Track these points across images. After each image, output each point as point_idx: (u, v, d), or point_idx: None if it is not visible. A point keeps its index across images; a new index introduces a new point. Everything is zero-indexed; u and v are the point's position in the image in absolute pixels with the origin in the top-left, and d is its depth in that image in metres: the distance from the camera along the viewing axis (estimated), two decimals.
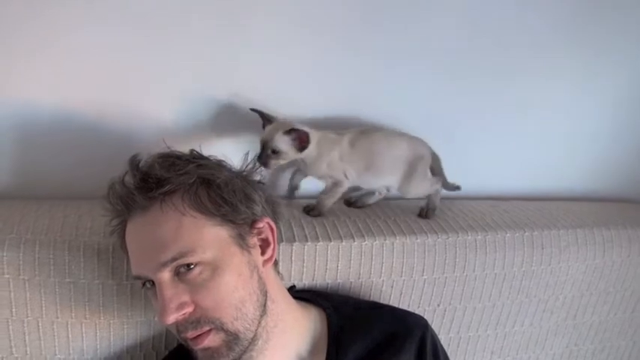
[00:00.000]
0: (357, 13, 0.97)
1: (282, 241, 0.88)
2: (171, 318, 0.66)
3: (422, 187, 1.01)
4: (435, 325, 0.96)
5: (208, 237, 0.69)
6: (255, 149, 0.89)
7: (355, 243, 0.92)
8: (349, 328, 0.80)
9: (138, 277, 0.71)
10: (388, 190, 1.04)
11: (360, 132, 0.97)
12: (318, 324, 0.81)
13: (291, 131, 0.89)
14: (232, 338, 0.69)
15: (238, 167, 0.78)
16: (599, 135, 1.24)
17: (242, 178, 0.76)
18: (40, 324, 0.81)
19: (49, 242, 0.80)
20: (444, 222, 1.01)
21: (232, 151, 0.79)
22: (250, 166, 0.79)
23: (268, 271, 0.76)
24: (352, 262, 0.92)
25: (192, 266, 0.67)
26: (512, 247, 1.01)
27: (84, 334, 0.82)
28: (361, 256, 0.92)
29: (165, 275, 0.67)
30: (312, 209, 0.97)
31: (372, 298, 0.94)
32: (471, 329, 1.04)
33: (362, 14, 0.98)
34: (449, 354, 0.89)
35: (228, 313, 0.68)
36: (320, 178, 0.98)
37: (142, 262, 0.70)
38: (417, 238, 0.95)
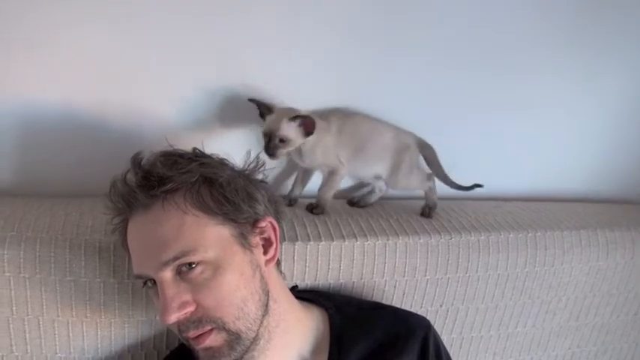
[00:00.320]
0: (357, 6, 0.97)
1: (285, 240, 0.87)
2: (173, 317, 0.66)
3: (412, 179, 1.00)
4: (437, 326, 0.96)
5: (210, 236, 0.69)
6: (258, 148, 0.88)
7: (358, 243, 0.91)
8: (351, 329, 0.80)
9: (139, 277, 0.70)
10: (380, 178, 1.03)
11: (343, 117, 0.97)
12: (321, 324, 0.81)
13: (296, 118, 0.89)
14: (234, 338, 0.69)
15: (241, 166, 0.78)
16: (603, 136, 1.23)
17: (244, 176, 0.76)
18: (40, 322, 0.80)
19: (50, 240, 0.80)
20: (447, 222, 1.00)
21: (235, 150, 0.78)
22: (253, 164, 0.78)
23: (270, 271, 0.75)
24: (355, 262, 0.91)
25: (193, 265, 0.67)
26: (515, 247, 1.00)
27: (85, 333, 0.82)
28: (364, 256, 0.92)
29: (167, 274, 0.67)
30: (315, 207, 0.97)
31: (374, 299, 0.94)
32: (474, 330, 1.03)
33: (361, 6, 0.97)
34: (451, 354, 0.88)
35: (229, 313, 0.68)
36: (316, 167, 0.98)
37: (143, 261, 0.69)
38: (419, 239, 0.95)
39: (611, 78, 1.17)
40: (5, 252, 0.78)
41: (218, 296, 0.67)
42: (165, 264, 0.66)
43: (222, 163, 0.75)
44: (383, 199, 1.07)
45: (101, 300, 0.81)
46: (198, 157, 0.73)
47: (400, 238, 0.94)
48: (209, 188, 0.70)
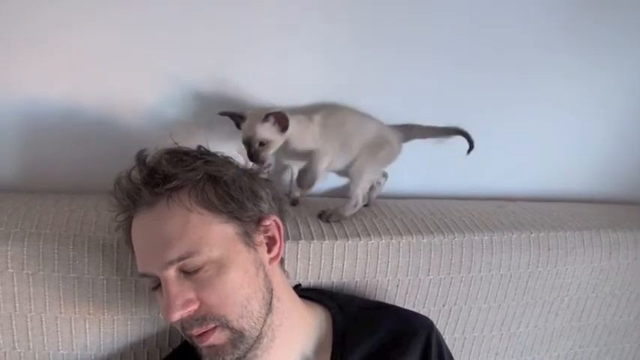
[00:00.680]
0: (368, 3, 0.97)
1: (288, 239, 0.87)
2: (177, 315, 0.66)
3: (375, 175, 1.00)
4: (439, 326, 0.95)
5: (215, 234, 0.68)
6: None
7: (361, 242, 0.91)
8: (354, 328, 0.80)
9: (144, 275, 0.70)
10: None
11: (328, 110, 0.96)
12: (324, 323, 0.80)
13: (267, 117, 0.87)
14: (237, 336, 0.69)
15: (245, 164, 0.77)
16: (607, 137, 1.23)
17: (249, 175, 0.76)
18: (43, 319, 0.80)
19: (54, 237, 0.80)
20: (451, 222, 1.00)
21: (239, 148, 0.78)
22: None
23: (274, 269, 0.75)
24: (358, 261, 0.91)
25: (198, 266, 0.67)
26: (518, 248, 1.00)
27: (87, 330, 0.82)
28: (367, 255, 0.92)
29: (171, 273, 0.67)
30: (330, 215, 0.95)
31: (377, 298, 0.94)
32: (476, 330, 1.03)
33: (373, 4, 0.97)
34: (453, 354, 0.88)
35: (233, 311, 0.68)
36: (308, 154, 0.95)
37: (148, 260, 0.69)
38: (423, 238, 0.95)
39: (614, 79, 1.17)
40: (8, 248, 0.77)
41: (222, 294, 0.67)
42: (170, 263, 0.66)
43: (226, 161, 0.75)
44: (386, 198, 1.07)
45: (104, 297, 0.81)
46: (203, 155, 0.73)
47: (403, 237, 0.94)
48: (214, 186, 0.70)
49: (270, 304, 0.72)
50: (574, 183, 1.26)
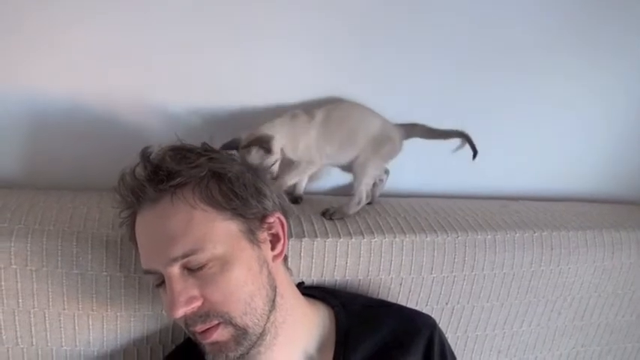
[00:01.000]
0: (368, 3, 0.96)
1: (292, 236, 0.87)
2: (180, 312, 0.66)
3: (377, 171, 1.00)
4: (442, 324, 0.96)
5: (219, 231, 0.68)
6: None
7: (365, 240, 0.91)
8: (357, 327, 0.80)
9: (148, 271, 0.70)
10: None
11: (332, 106, 0.97)
12: (327, 321, 0.80)
13: (249, 147, 0.88)
14: (241, 333, 0.68)
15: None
16: (610, 136, 1.23)
17: (253, 172, 0.76)
18: (46, 315, 0.80)
19: (57, 233, 0.80)
20: (454, 220, 1.00)
21: None
22: None
23: (278, 267, 0.75)
24: (361, 259, 0.91)
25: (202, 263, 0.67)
26: (521, 247, 1.00)
27: (91, 326, 0.82)
28: (370, 253, 0.91)
29: (175, 269, 0.67)
30: (333, 213, 0.95)
31: (380, 296, 0.94)
32: (479, 328, 1.03)
33: (373, 4, 0.97)
34: (456, 353, 0.88)
35: (237, 308, 0.68)
36: (297, 158, 0.96)
37: (151, 256, 0.69)
38: (426, 236, 0.95)
39: (618, 78, 1.17)
40: (12, 244, 0.77)
41: (226, 291, 0.67)
42: (174, 260, 0.66)
43: (230, 159, 0.75)
44: (390, 196, 1.07)
45: (107, 293, 0.81)
46: (207, 151, 0.73)
47: (407, 235, 0.94)
48: (218, 183, 0.70)
49: (273, 302, 0.72)
50: (577, 183, 1.26)
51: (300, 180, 1.00)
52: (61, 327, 0.81)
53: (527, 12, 1.04)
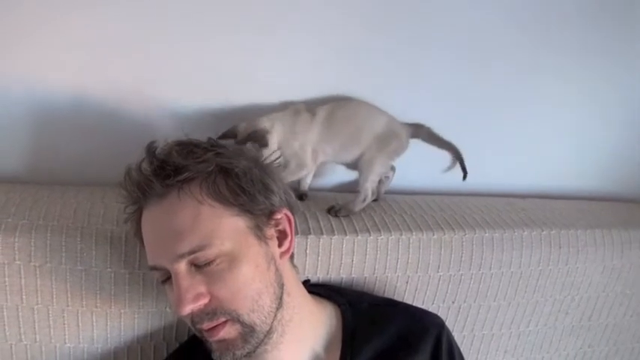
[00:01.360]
0: (368, 3, 0.96)
1: (298, 233, 0.86)
2: (187, 309, 0.65)
3: (384, 168, 0.99)
4: (449, 323, 0.94)
5: (226, 227, 0.67)
6: None
7: (371, 237, 0.90)
8: (364, 326, 0.79)
9: (154, 268, 0.69)
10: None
11: (337, 104, 0.96)
12: (334, 320, 0.80)
13: (245, 141, 0.87)
14: (248, 330, 0.68)
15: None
16: (618, 134, 1.22)
17: (260, 167, 0.75)
18: (50, 312, 0.80)
19: (61, 229, 0.79)
20: (461, 218, 0.99)
21: None
22: None
23: (285, 264, 0.74)
24: (367, 256, 0.90)
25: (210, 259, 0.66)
26: (529, 245, 0.99)
27: (94, 323, 0.81)
28: (377, 250, 0.91)
29: (182, 266, 0.66)
30: (339, 210, 0.94)
31: (386, 294, 0.93)
32: (486, 327, 1.02)
33: (373, 4, 0.96)
34: (462, 352, 0.87)
35: (244, 305, 0.67)
36: (289, 157, 0.94)
37: (158, 252, 0.68)
38: (433, 234, 0.94)
39: (628, 77, 1.16)
40: (16, 240, 0.77)
41: (233, 288, 0.66)
42: (181, 256, 0.65)
43: (237, 154, 0.74)
44: (396, 193, 1.06)
45: (111, 290, 0.80)
46: (213, 146, 0.72)
47: (413, 233, 0.93)
48: (225, 178, 0.69)
49: (280, 299, 0.71)
50: (585, 181, 1.25)
51: (299, 179, 1.00)
52: (64, 324, 0.80)
53: (526, 12, 1.03)
